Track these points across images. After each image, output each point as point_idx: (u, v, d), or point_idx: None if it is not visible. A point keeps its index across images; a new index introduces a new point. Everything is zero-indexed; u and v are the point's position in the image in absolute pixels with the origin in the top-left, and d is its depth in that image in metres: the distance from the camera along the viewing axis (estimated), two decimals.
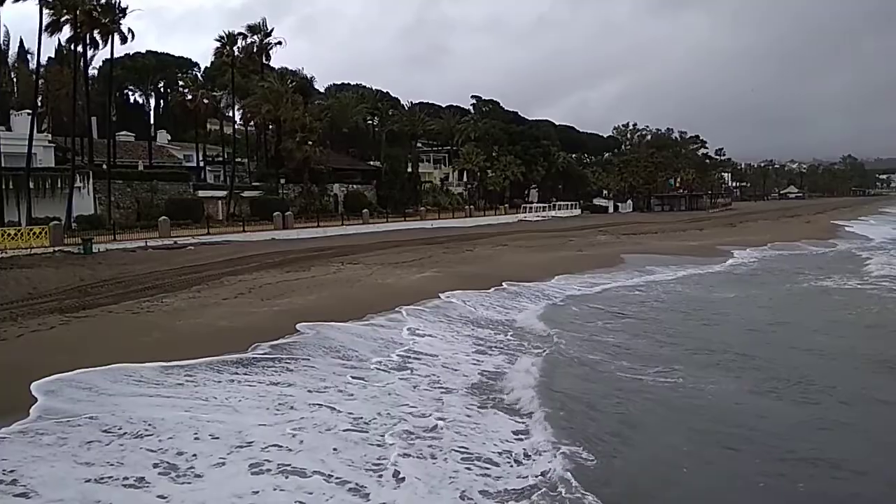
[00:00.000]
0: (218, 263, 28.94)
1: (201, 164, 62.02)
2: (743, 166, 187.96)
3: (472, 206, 73.15)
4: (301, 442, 9.54)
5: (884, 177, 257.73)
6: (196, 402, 11.09)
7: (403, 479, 8.45)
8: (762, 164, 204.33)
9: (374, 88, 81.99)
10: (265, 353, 14.14)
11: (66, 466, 8.56)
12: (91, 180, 43.38)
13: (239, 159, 60.17)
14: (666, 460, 9.18)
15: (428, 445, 9.54)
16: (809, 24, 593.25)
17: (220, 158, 63.28)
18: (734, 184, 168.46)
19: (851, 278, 26.85)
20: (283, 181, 56.80)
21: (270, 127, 60.00)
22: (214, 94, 63.52)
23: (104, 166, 46.99)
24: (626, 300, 22.20)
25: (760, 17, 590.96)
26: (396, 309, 18.83)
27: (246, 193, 54.35)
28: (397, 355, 14.38)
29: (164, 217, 40.59)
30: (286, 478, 8.43)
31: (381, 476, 8.55)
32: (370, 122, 79.24)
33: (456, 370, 13.54)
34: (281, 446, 9.35)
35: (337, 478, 8.46)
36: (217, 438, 9.58)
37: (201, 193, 51.41)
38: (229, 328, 16.31)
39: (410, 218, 59.42)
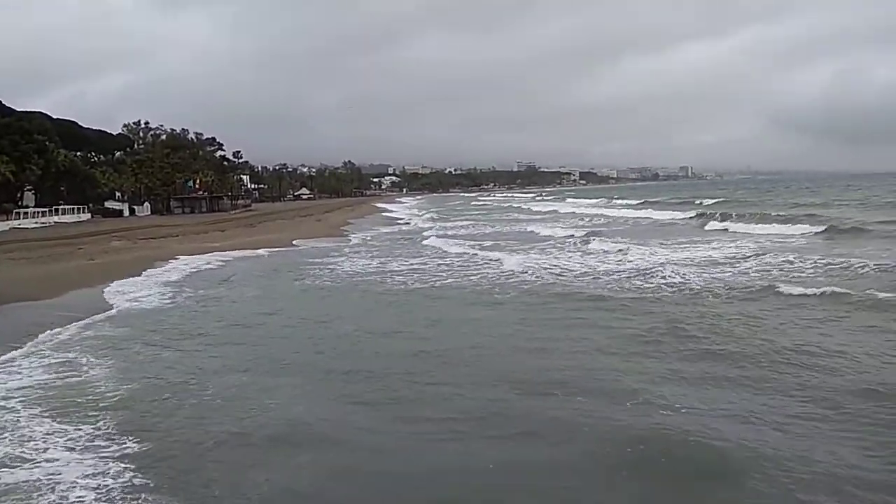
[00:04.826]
0: None
1: None
2: (260, 169, 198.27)
3: None
4: None
5: (376, 180, 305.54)
6: None
7: None
8: (277, 168, 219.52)
9: None
10: None
11: None
12: None
13: None
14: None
15: None
16: (305, 38, 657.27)
17: None
18: (253, 186, 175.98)
19: (336, 270, 29.73)
20: None
21: None
22: None
23: None
24: (166, 309, 20.48)
25: (259, 25, 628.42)
26: None
27: None
28: None
29: None
30: None
31: None
32: None
33: None
34: None
35: None
36: None
37: None
38: None
39: None
